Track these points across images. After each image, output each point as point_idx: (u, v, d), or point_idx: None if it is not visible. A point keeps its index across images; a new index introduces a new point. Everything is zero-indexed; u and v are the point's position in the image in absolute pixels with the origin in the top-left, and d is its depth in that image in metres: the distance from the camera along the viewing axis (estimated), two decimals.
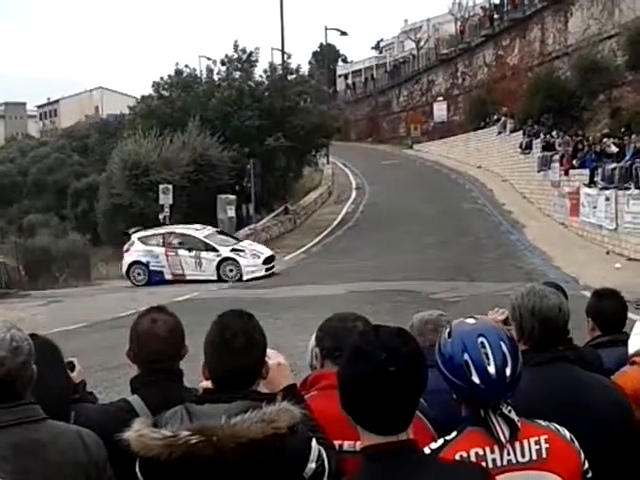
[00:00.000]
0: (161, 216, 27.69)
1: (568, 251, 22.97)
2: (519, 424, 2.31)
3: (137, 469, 2.44)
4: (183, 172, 29.49)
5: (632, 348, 3.56)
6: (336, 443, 2.74)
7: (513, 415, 2.31)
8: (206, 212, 28.99)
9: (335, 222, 33.81)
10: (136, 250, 24.29)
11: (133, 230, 25.19)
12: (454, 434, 2.34)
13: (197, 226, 24.98)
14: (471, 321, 2.44)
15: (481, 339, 2.33)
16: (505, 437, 2.28)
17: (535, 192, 32.65)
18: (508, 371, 2.31)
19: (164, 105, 34.12)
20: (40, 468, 2.38)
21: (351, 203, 38.74)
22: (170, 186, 27.88)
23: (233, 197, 29.56)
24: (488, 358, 2.30)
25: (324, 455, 2.54)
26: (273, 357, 2.77)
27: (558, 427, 2.40)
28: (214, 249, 23.51)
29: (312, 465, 2.49)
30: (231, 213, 29.22)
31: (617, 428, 2.75)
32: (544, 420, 2.40)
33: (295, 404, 2.51)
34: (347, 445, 2.76)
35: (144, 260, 24.00)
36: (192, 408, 2.47)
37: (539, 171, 31.52)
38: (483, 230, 27.91)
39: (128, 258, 24.47)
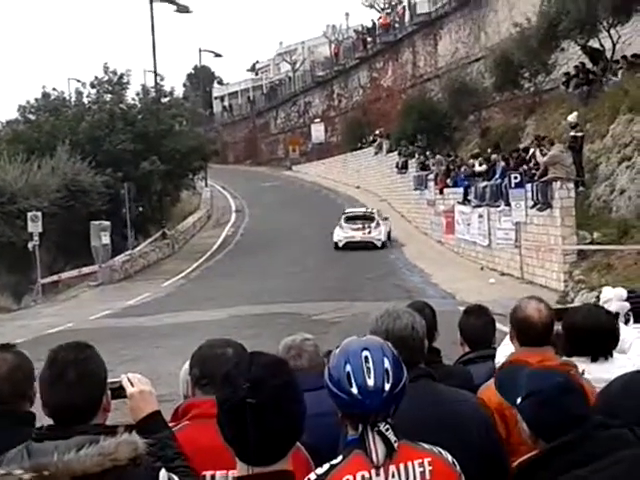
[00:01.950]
0: (30, 245, 26.50)
1: (445, 268, 23.45)
2: (396, 445, 2.30)
3: None
4: (53, 198, 28.36)
5: (498, 359, 3.73)
6: (208, 473, 2.73)
7: (390, 435, 2.30)
8: (79, 239, 28.01)
9: (215, 246, 33.39)
10: None
11: None
12: (340, 458, 2.32)
13: None
14: (362, 337, 2.48)
15: (365, 353, 2.36)
16: (378, 457, 2.27)
17: (412, 211, 33.28)
18: (387, 386, 2.32)
19: (31, 129, 32.88)
20: None
21: (231, 226, 38.43)
22: (39, 213, 26.71)
23: (107, 223, 28.64)
24: (369, 371, 2.32)
25: None
26: (136, 384, 2.77)
27: (441, 450, 2.40)
28: None
29: None
30: (106, 240, 28.28)
31: (480, 443, 2.78)
32: (408, 437, 2.38)
33: (154, 433, 2.55)
34: (219, 475, 2.74)
35: None
36: (31, 446, 2.41)
37: (414, 190, 32.15)
38: (363, 250, 28.08)
39: None
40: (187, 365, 3.18)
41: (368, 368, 2.33)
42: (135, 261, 29.85)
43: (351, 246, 28.25)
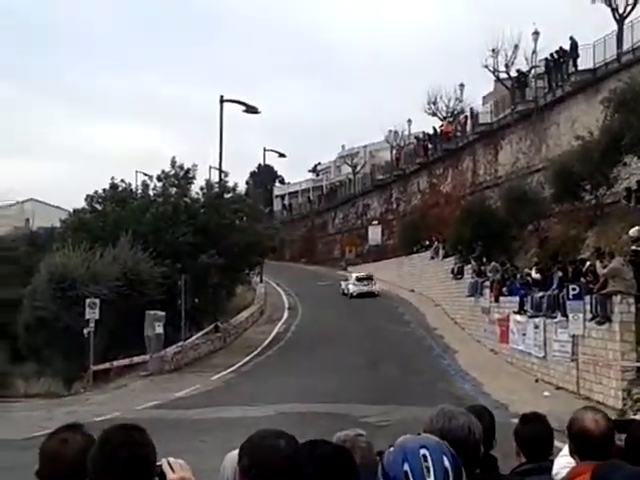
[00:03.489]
0: (86, 331, 26.88)
1: (498, 378, 22.94)
2: None
3: None
4: (112, 286, 28.84)
5: (556, 471, 3.57)
6: None
7: None
8: (134, 328, 28.25)
9: (266, 342, 33.35)
10: None
11: None
12: None
13: None
14: (417, 436, 2.42)
15: (423, 451, 2.28)
16: None
17: (466, 317, 32.89)
18: None
19: (96, 219, 33.75)
20: None
21: (282, 323, 38.42)
22: (97, 300, 27.18)
23: (162, 313, 28.91)
24: (429, 471, 2.24)
25: None
26: (177, 469, 2.67)
27: None
28: None
29: None
30: (159, 330, 28.49)
31: None
32: None
33: None
34: None
35: None
36: None
37: (469, 296, 31.86)
38: (414, 354, 27.79)
39: None
40: (233, 454, 3.11)
41: (427, 467, 2.26)
42: (186, 353, 29.94)
43: (359, 294, 43.26)
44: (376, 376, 23.51)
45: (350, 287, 44.92)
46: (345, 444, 3.32)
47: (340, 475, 2.09)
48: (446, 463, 2.28)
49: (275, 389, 21.94)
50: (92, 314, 26.91)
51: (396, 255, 50.17)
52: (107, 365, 28.01)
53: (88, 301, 27.05)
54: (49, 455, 2.95)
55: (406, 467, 2.27)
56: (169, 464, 2.72)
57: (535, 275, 24.58)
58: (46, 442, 3.01)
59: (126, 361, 28.20)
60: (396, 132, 61.37)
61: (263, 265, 42.85)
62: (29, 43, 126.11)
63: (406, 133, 61.03)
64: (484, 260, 31.86)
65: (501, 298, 27.40)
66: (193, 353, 30.49)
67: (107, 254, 30.02)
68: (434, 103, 53.84)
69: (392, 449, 2.36)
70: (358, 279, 45.45)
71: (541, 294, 23.10)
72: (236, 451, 3.11)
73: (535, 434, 4.19)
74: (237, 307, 40.70)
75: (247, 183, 69.00)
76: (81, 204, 35.87)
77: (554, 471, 3.65)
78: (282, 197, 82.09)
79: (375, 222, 58.27)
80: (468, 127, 47.14)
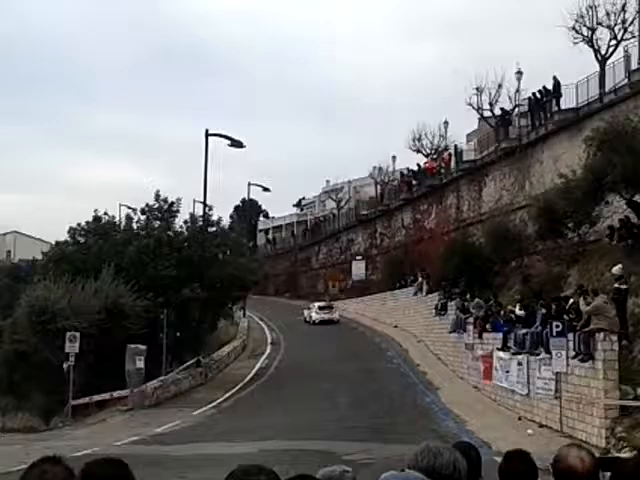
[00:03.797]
0: (65, 365, 26.60)
1: (481, 415, 22.83)
2: None
3: None
4: (93, 319, 28.58)
5: None
6: None
7: None
8: (114, 362, 27.98)
9: (248, 377, 33.09)
10: None
11: None
12: None
13: None
14: (401, 472, 2.42)
15: None
16: None
17: (449, 354, 32.79)
18: None
19: (78, 251, 33.58)
20: None
21: (265, 358, 38.18)
22: (77, 334, 26.93)
23: (143, 347, 28.67)
24: None
25: None
26: None
27: None
28: None
29: None
30: (140, 364, 28.23)
31: None
32: None
33: None
34: None
35: None
36: None
37: (452, 332, 31.79)
38: (397, 390, 27.64)
39: None
40: None
41: None
42: (167, 388, 29.63)
43: (321, 322, 47.04)
44: (359, 413, 23.34)
45: (313, 315, 48.89)
46: None
47: None
48: None
49: (257, 425, 21.78)
50: (72, 348, 26.65)
51: (380, 290, 50.13)
52: (86, 400, 27.69)
53: (68, 334, 26.80)
54: None
55: None
56: None
57: (518, 312, 24.60)
58: (25, 474, 2.89)
59: (106, 395, 27.87)
60: (380, 168, 61.68)
61: (246, 299, 42.66)
62: (8, 75, 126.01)
63: (390, 169, 61.36)
64: (467, 296, 31.86)
65: (484, 334, 27.34)
66: (174, 388, 30.15)
67: (89, 287, 29.81)
68: (419, 140, 54.25)
69: None
70: (320, 308, 49.63)
71: (524, 331, 23.07)
72: None
73: (519, 472, 4.05)
74: (219, 341, 40.42)
75: (231, 217, 69.02)
76: (63, 237, 35.74)
77: None
78: (266, 231, 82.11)
79: (359, 257, 58.32)
80: (452, 164, 47.44)
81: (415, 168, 53.33)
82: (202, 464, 15.80)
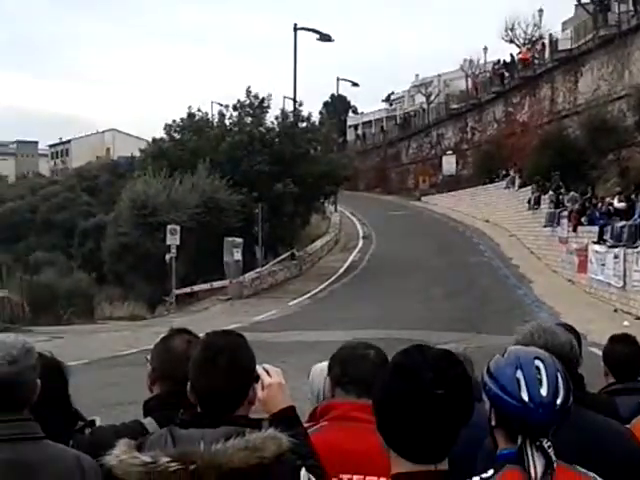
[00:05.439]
0: (167, 257, 27.67)
1: (575, 308, 22.80)
2: (555, 465, 2.13)
3: None
4: (191, 214, 29.53)
5: None
6: (345, 477, 2.67)
7: (552, 453, 2.14)
8: (213, 254, 28.98)
9: (341, 270, 33.70)
10: None
11: None
12: (491, 472, 2.17)
13: None
14: (529, 347, 2.35)
15: (537, 362, 2.22)
16: (537, 475, 2.11)
17: (542, 248, 32.60)
18: (559, 401, 2.18)
19: (175, 147, 34.33)
20: None
21: (357, 252, 38.66)
22: (177, 227, 27.89)
23: (240, 240, 29.53)
24: (541, 383, 2.17)
25: None
26: (274, 375, 2.67)
27: (597, 477, 2.25)
28: None
29: None
30: (238, 256, 29.17)
31: (626, 474, 2.61)
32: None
33: (289, 428, 2.41)
34: (356, 479, 2.68)
35: None
36: (176, 432, 2.36)
37: (546, 226, 31.52)
38: (490, 283, 27.75)
39: None
40: (320, 366, 3.23)
41: (540, 379, 2.17)
42: (264, 279, 30.62)
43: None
44: (452, 305, 23.55)
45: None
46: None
47: (458, 377, 1.97)
48: (559, 378, 2.20)
49: (352, 315, 22.15)
50: (173, 240, 27.65)
51: (471, 185, 49.64)
52: (188, 289, 28.91)
53: (169, 227, 27.77)
54: (176, 354, 2.96)
55: (519, 375, 2.17)
56: (265, 370, 2.70)
57: (618, 204, 24.10)
58: (170, 342, 3.05)
59: (206, 286, 29.05)
60: (471, 61, 59.89)
61: (337, 194, 43.02)
62: None
63: (482, 61, 59.57)
64: (562, 190, 31.36)
65: (579, 228, 27.04)
66: (270, 279, 31.13)
67: (186, 182, 30.67)
68: (512, 29, 52.18)
69: (504, 357, 2.24)
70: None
71: (622, 224, 22.74)
72: (321, 364, 3.25)
73: (625, 355, 4.22)
74: (312, 236, 41.14)
75: (320, 113, 68.75)
76: (159, 134, 36.51)
77: None
78: (355, 127, 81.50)
79: (449, 152, 57.54)
80: (547, 54, 45.77)
81: (508, 59, 51.69)
82: (300, 350, 16.21)
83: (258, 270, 30.56)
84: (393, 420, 1.98)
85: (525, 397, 2.15)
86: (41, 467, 2.33)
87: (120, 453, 2.29)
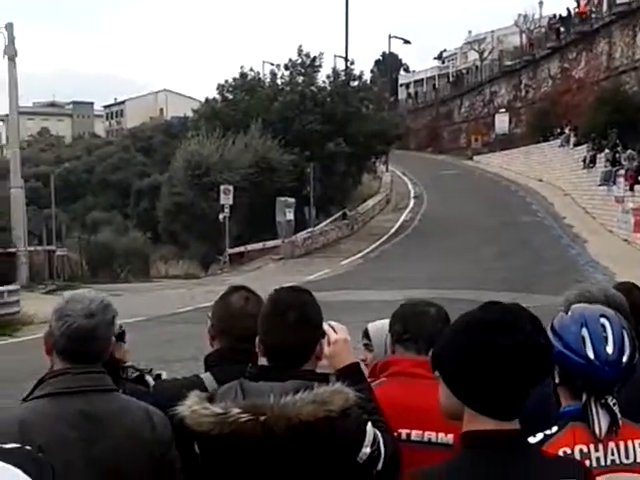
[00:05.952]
0: (221, 216, 28.02)
1: (632, 268, 22.37)
2: (620, 422, 2.13)
3: (195, 442, 2.44)
4: (244, 174, 29.79)
5: None
6: (403, 432, 2.69)
7: (617, 410, 2.13)
8: (265, 214, 29.25)
9: (393, 229, 33.72)
10: None
11: None
12: (555, 429, 2.16)
13: None
14: (594, 305, 2.34)
15: (603, 320, 2.21)
16: (601, 432, 2.11)
17: (597, 207, 32.14)
18: (624, 358, 2.16)
19: (227, 107, 34.52)
20: (105, 440, 2.37)
21: (409, 211, 38.58)
22: (231, 187, 28.19)
23: (292, 200, 29.74)
24: (607, 340, 2.17)
25: (380, 440, 2.45)
26: (340, 332, 2.67)
27: None
28: None
29: (366, 450, 2.40)
30: (290, 216, 29.42)
31: None
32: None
33: (354, 384, 2.44)
34: (415, 435, 2.71)
35: None
36: (246, 384, 2.42)
37: (601, 185, 31.03)
38: (543, 243, 27.50)
39: None
40: (378, 323, 3.27)
41: (605, 337, 2.16)
42: (316, 238, 30.82)
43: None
44: (505, 265, 23.39)
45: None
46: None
47: (544, 331, 1.94)
48: (625, 336, 2.19)
49: (403, 275, 22.13)
50: (226, 200, 27.98)
51: (524, 144, 48.91)
52: (241, 249, 29.29)
53: (222, 187, 28.09)
54: (235, 310, 2.98)
55: (584, 332, 2.17)
56: (331, 326, 2.70)
57: None
58: (228, 299, 3.06)
59: (259, 245, 29.39)
60: (526, 15, 58.60)
61: (389, 154, 42.83)
62: None
63: (537, 16, 58.25)
64: (619, 148, 30.77)
65: (636, 187, 26.58)
66: (322, 239, 31.32)
67: (239, 142, 30.89)
68: None
69: (569, 315, 2.25)
70: None
71: None
72: (380, 321, 3.27)
73: None
74: (363, 195, 41.15)
75: (372, 72, 68.27)
76: (211, 94, 36.71)
77: None
78: (407, 85, 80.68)
79: (502, 110, 56.66)
80: (604, 8, 44.57)
81: (564, 14, 50.46)
82: (353, 309, 16.22)
83: (310, 230, 30.77)
84: (483, 376, 1.87)
85: (591, 354, 2.16)
86: (112, 418, 2.40)
87: (192, 404, 2.35)
